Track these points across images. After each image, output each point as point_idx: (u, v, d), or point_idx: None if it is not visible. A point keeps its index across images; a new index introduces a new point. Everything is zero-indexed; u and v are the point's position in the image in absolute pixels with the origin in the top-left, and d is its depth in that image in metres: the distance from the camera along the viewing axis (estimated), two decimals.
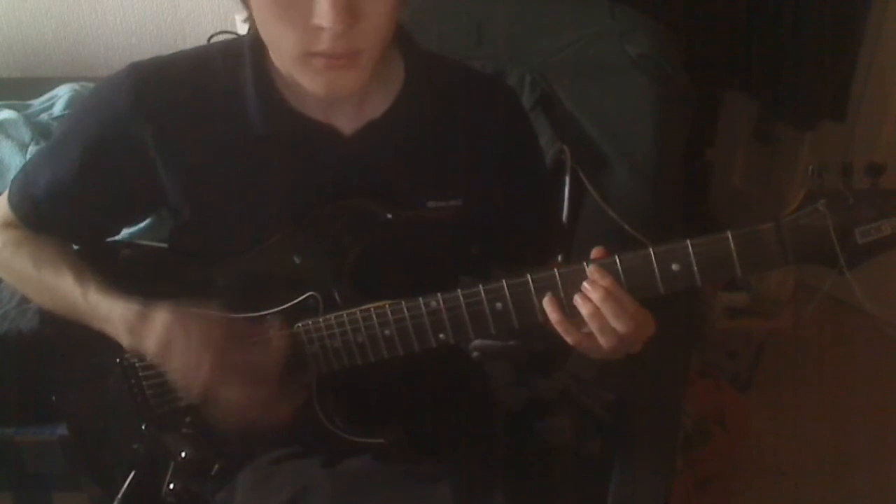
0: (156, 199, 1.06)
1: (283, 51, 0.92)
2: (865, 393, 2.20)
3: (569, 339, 0.95)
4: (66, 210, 1.08)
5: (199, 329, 0.98)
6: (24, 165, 1.13)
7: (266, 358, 1.01)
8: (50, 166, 1.07)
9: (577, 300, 0.93)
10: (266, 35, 0.92)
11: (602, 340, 0.93)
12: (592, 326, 0.93)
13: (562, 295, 0.94)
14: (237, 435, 1.07)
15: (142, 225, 1.61)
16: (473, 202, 1.08)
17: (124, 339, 1.02)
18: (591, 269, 0.92)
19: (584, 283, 0.92)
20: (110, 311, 1.02)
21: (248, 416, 1.02)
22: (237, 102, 1.00)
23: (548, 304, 0.94)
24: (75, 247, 1.14)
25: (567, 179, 1.54)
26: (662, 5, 1.74)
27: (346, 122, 1.02)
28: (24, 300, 1.57)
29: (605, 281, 0.92)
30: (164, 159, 1.01)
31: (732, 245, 0.87)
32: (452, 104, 1.05)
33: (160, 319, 0.99)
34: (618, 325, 0.92)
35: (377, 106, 1.02)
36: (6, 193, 1.12)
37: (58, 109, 1.98)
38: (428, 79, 1.04)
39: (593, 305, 0.92)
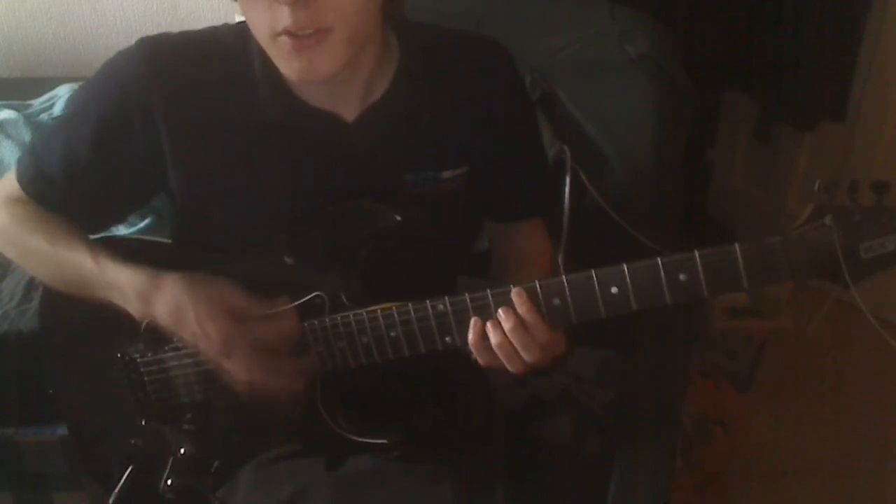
0: (158, 180, 1.05)
1: (256, 33, 0.92)
2: (866, 393, 2.20)
3: (480, 359, 0.96)
4: (80, 186, 1.06)
5: (209, 296, 0.99)
6: (32, 144, 1.11)
7: (274, 328, 1.01)
8: (63, 142, 1.05)
9: (489, 327, 0.93)
10: (245, 18, 0.92)
11: (510, 367, 0.95)
12: (500, 354, 0.94)
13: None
14: (251, 409, 1.07)
15: (141, 225, 1.62)
16: (478, 166, 1.08)
17: (134, 306, 1.02)
18: (513, 294, 0.93)
19: (500, 311, 0.93)
20: (121, 277, 1.02)
21: (261, 384, 1.02)
22: (244, 87, 1.00)
23: (472, 325, 0.95)
24: None
25: (567, 179, 1.54)
26: (662, 5, 1.74)
27: (349, 109, 1.02)
28: (25, 300, 1.57)
29: (522, 308, 0.92)
30: (171, 136, 1.01)
31: (740, 258, 0.87)
32: (448, 70, 1.05)
33: (170, 285, 0.99)
34: (526, 356, 0.93)
35: (377, 88, 1.02)
36: (13, 172, 1.10)
37: (58, 109, 1.97)
38: (423, 51, 1.03)
39: (502, 334, 0.93)
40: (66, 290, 1.08)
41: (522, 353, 0.94)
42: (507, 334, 0.93)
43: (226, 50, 1.01)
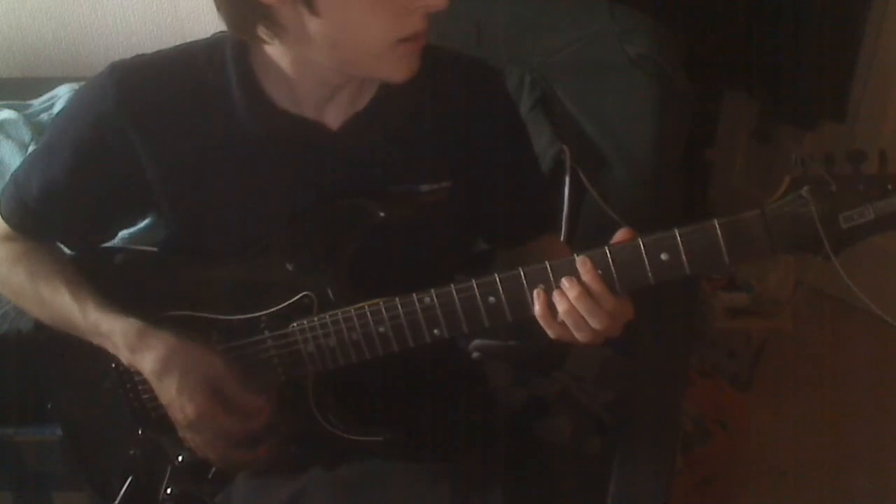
0: (145, 200, 1.06)
1: (369, 43, 0.91)
2: (865, 393, 2.20)
3: (550, 332, 0.96)
4: (60, 213, 1.08)
5: (198, 362, 1.00)
6: (14, 174, 1.12)
7: (253, 411, 1.03)
8: (40, 171, 1.06)
9: (555, 296, 0.93)
10: (351, 33, 0.90)
11: (578, 335, 0.94)
12: (567, 322, 0.93)
13: (553, 287, 0.93)
14: (216, 464, 1.09)
15: (142, 224, 1.61)
16: (463, 182, 1.07)
17: (123, 356, 1.03)
18: (578, 262, 0.92)
19: (563, 280, 0.92)
20: (110, 328, 1.03)
21: (224, 455, 1.04)
22: (222, 102, 1.00)
23: (536, 297, 0.94)
24: (70, 252, 1.14)
25: (567, 179, 1.54)
26: (662, 5, 1.74)
27: (335, 117, 1.02)
28: None
29: (587, 276, 0.91)
30: (151, 158, 1.01)
31: (719, 233, 0.88)
32: (433, 85, 1.05)
33: (160, 342, 1.00)
34: (593, 322, 0.92)
35: (364, 96, 1.02)
36: None
37: (58, 109, 1.98)
38: None
39: (568, 303, 0.92)
40: (61, 330, 1.09)
41: (590, 320, 0.92)
42: (573, 302, 0.92)
43: (199, 67, 1.01)
